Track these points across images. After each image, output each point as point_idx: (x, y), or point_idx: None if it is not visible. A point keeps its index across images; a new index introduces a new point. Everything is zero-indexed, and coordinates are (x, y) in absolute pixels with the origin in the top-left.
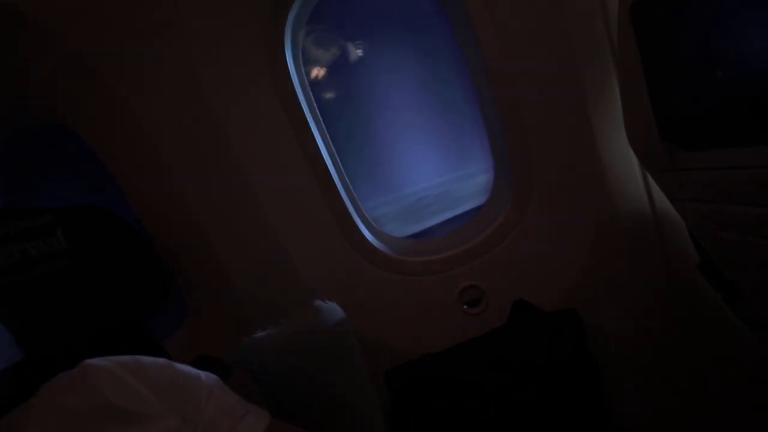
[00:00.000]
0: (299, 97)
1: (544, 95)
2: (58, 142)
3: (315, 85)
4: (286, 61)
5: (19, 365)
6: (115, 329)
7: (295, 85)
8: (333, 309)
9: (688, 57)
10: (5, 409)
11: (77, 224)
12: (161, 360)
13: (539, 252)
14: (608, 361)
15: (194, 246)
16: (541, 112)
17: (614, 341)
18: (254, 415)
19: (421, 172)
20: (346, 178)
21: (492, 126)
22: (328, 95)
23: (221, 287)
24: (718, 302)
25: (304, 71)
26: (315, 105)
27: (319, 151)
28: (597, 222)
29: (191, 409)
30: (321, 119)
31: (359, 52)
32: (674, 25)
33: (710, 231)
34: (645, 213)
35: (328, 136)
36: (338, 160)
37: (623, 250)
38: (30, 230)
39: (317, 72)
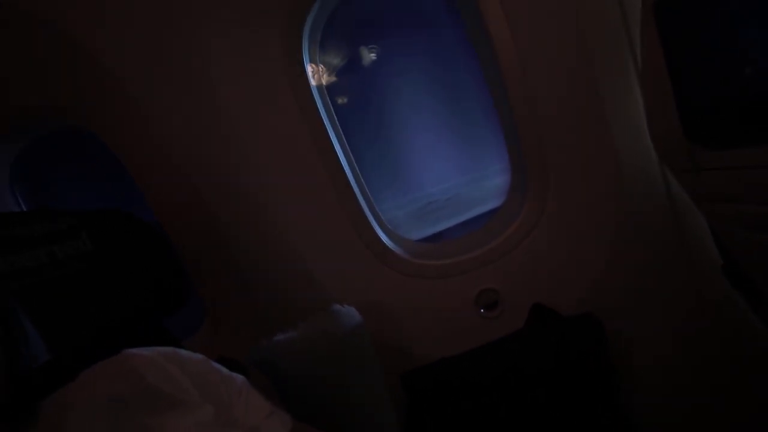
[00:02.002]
0: (316, 100)
1: (560, 96)
2: (79, 146)
3: (330, 87)
4: (303, 64)
5: (47, 365)
6: (135, 330)
7: (311, 87)
8: (351, 314)
9: (714, 55)
10: None
11: (102, 227)
12: (197, 354)
13: (557, 255)
14: (627, 366)
15: (212, 249)
16: (558, 112)
17: (634, 345)
18: (279, 416)
19: (433, 176)
20: (363, 181)
21: (508, 128)
22: (343, 98)
23: (238, 290)
24: (742, 306)
25: (321, 74)
26: (331, 108)
27: (336, 154)
28: (616, 224)
29: (223, 405)
30: (337, 122)
31: (374, 56)
32: (699, 23)
33: (735, 232)
34: (665, 214)
35: (344, 139)
36: (354, 163)
37: (643, 253)
38: (56, 233)
39: (333, 74)
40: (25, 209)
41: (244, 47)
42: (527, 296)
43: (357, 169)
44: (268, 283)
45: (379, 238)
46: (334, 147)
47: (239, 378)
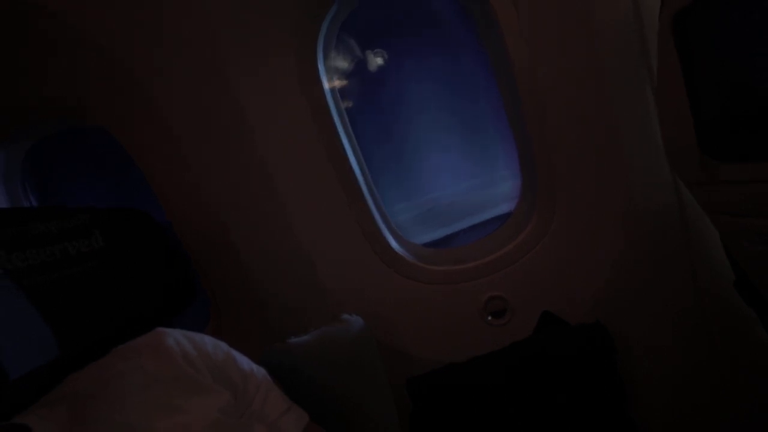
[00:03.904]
0: (329, 103)
1: (572, 106)
2: (90, 143)
3: (343, 91)
4: (317, 68)
5: (57, 362)
6: (142, 328)
7: (325, 91)
8: (359, 323)
9: (732, 67)
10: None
11: (114, 225)
12: (223, 344)
13: (566, 263)
14: (634, 375)
15: (220, 251)
16: (570, 122)
17: (642, 355)
18: (296, 412)
19: (437, 181)
20: (373, 185)
21: (519, 136)
22: (356, 102)
23: (244, 292)
24: (752, 320)
25: (334, 77)
26: (344, 111)
27: (347, 158)
28: (626, 234)
29: (240, 395)
30: (349, 126)
31: (388, 61)
32: (718, 36)
33: (748, 246)
34: (676, 225)
35: (356, 143)
36: (365, 167)
37: (653, 263)
38: (70, 230)
39: (346, 78)
40: (35, 205)
41: (260, 49)
42: (536, 304)
43: (368, 172)
44: (275, 286)
45: (388, 242)
46: (345, 150)
47: (261, 372)
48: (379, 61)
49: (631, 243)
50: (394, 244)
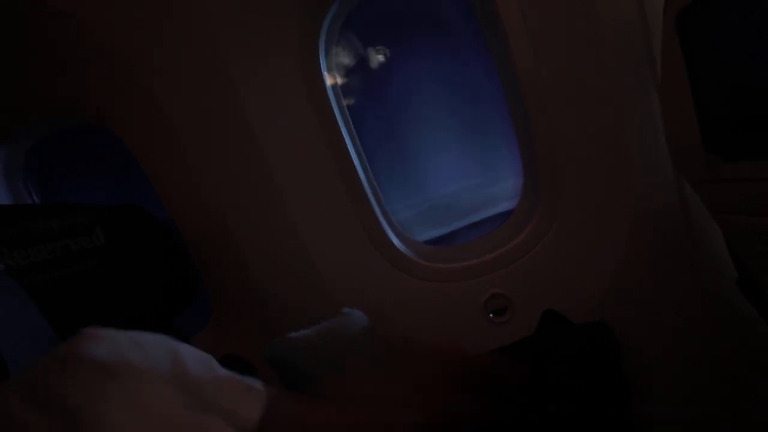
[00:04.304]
0: (331, 100)
1: (575, 105)
2: (92, 143)
3: (344, 88)
4: (318, 68)
5: None
6: (145, 325)
7: (327, 88)
8: (361, 317)
9: (733, 67)
10: None
11: (116, 222)
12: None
13: (568, 262)
14: (637, 375)
15: (220, 251)
16: (572, 120)
17: (643, 355)
18: (255, 392)
19: (438, 179)
20: (375, 183)
21: (522, 134)
22: (357, 100)
23: (247, 289)
24: (754, 321)
25: (336, 74)
26: (345, 108)
27: (350, 155)
28: (629, 232)
29: (185, 380)
30: (351, 123)
31: (391, 59)
32: (719, 36)
33: (751, 245)
34: (679, 223)
35: (358, 141)
36: (367, 164)
37: (656, 262)
38: (72, 227)
39: (348, 75)
40: (37, 202)
41: (261, 49)
42: (538, 302)
43: (369, 170)
44: (275, 282)
45: (390, 240)
46: (347, 147)
47: (207, 357)
48: (381, 59)
49: (632, 243)
50: (396, 241)
